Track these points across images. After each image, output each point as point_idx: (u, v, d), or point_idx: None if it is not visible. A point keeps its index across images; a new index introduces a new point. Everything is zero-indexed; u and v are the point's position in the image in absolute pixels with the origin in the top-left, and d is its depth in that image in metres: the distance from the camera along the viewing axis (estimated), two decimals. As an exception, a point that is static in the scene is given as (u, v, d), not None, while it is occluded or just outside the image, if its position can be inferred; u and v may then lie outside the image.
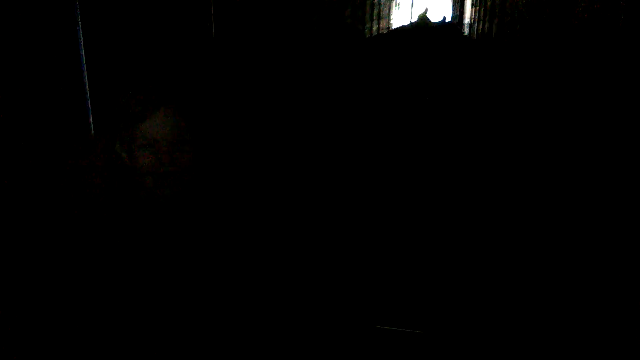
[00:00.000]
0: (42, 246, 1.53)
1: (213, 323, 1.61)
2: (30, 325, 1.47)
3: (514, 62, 8.62)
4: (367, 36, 15.75)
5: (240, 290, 1.71)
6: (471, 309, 2.38)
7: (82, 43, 2.35)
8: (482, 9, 14.29)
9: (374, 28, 17.65)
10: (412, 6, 26.56)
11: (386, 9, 20.00)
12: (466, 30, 18.62)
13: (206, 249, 1.67)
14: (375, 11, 17.62)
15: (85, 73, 2.35)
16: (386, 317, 2.26)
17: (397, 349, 2.08)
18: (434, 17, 22.42)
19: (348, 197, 3.33)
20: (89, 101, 2.37)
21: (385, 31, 19.73)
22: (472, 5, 16.58)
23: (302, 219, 2.59)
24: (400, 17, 24.34)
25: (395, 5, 22.36)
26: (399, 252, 2.87)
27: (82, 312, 1.47)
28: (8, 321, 1.49)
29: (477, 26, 15.22)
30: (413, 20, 21.99)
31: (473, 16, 16.36)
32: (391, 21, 21.32)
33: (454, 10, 24.01)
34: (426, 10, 20.52)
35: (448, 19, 23.81)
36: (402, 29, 16.66)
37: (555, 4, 6.36)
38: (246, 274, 1.75)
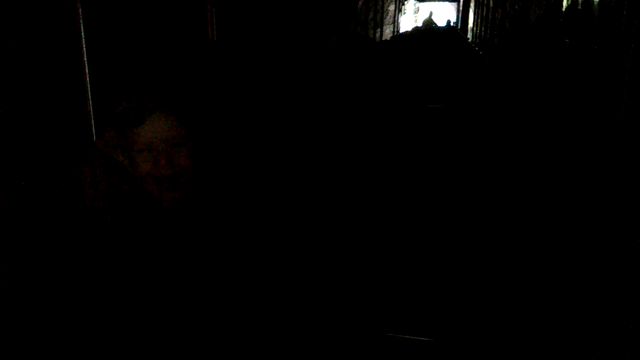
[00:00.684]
0: (43, 254, 1.55)
1: (216, 329, 1.61)
2: (32, 331, 1.49)
3: (507, 62, 8.79)
4: (376, 41, 16.07)
5: (243, 294, 1.71)
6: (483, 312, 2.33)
7: (84, 48, 2.38)
8: (480, 14, 14.64)
9: (385, 32, 18.24)
10: (416, 12, 27.55)
11: (394, 16, 20.66)
12: (469, 35, 19.02)
13: (210, 253, 1.68)
14: (385, 18, 18.18)
15: (87, 78, 2.38)
16: (393, 322, 2.21)
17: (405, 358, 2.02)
18: (439, 22, 22.67)
19: (352, 200, 3.31)
20: (90, 106, 2.40)
21: (393, 35, 20.28)
22: (474, 10, 16.94)
23: (305, 220, 2.59)
24: (407, 22, 25.11)
25: (402, 12, 22.96)
26: (401, 254, 2.86)
27: (84, 317, 1.49)
28: (12, 328, 1.51)
29: (477, 30, 15.61)
30: (418, 25, 22.40)
31: (474, 21, 16.77)
32: (399, 26, 21.96)
33: (457, 16, 24.53)
34: (431, 14, 20.76)
35: (452, 22, 24.04)
36: (408, 33, 16.90)
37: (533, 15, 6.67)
38: (250, 277, 1.74)
